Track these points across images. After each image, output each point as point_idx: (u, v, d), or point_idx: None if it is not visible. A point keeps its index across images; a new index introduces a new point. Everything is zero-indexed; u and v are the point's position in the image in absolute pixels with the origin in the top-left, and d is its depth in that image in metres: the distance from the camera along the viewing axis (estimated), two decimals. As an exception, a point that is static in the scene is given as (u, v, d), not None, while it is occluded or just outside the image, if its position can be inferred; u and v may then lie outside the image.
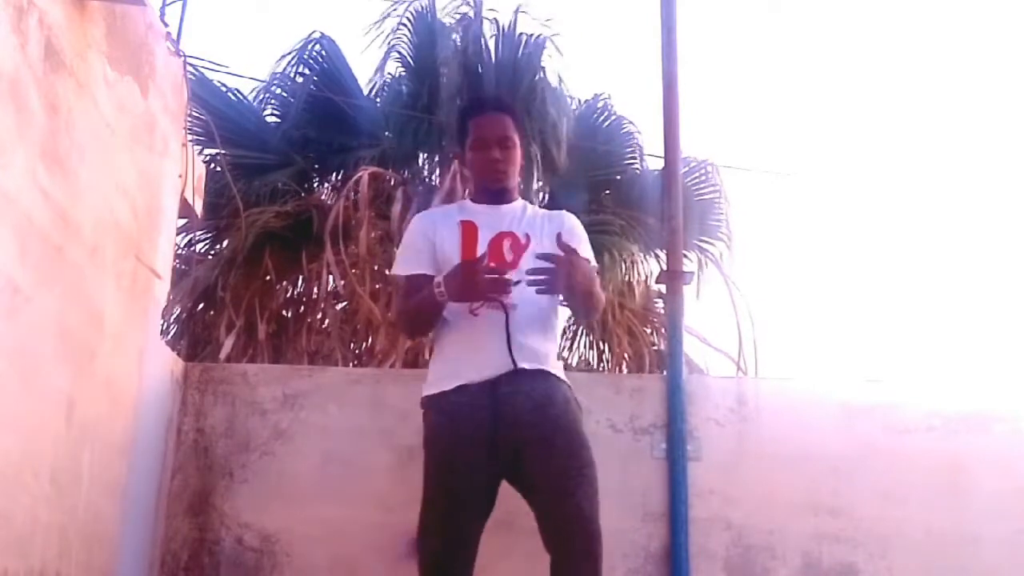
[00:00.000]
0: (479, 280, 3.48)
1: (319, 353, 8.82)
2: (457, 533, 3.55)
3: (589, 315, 3.90)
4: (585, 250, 3.77)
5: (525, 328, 3.61)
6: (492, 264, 3.58)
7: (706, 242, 10.28)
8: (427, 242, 3.78)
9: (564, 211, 4.00)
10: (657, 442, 4.72)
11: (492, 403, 3.54)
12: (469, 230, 3.75)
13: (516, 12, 10.34)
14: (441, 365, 3.74)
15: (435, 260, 3.73)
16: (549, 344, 3.72)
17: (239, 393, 4.80)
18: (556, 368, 3.71)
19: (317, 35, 10.21)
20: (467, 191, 4.07)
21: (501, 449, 3.53)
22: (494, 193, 3.86)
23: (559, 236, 3.54)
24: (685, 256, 8.83)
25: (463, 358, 3.63)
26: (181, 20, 4.71)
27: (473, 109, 4.02)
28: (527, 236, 3.75)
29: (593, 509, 3.50)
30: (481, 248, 3.68)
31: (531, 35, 10.34)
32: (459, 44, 10.24)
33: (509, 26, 10.36)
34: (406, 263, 3.82)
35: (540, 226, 3.80)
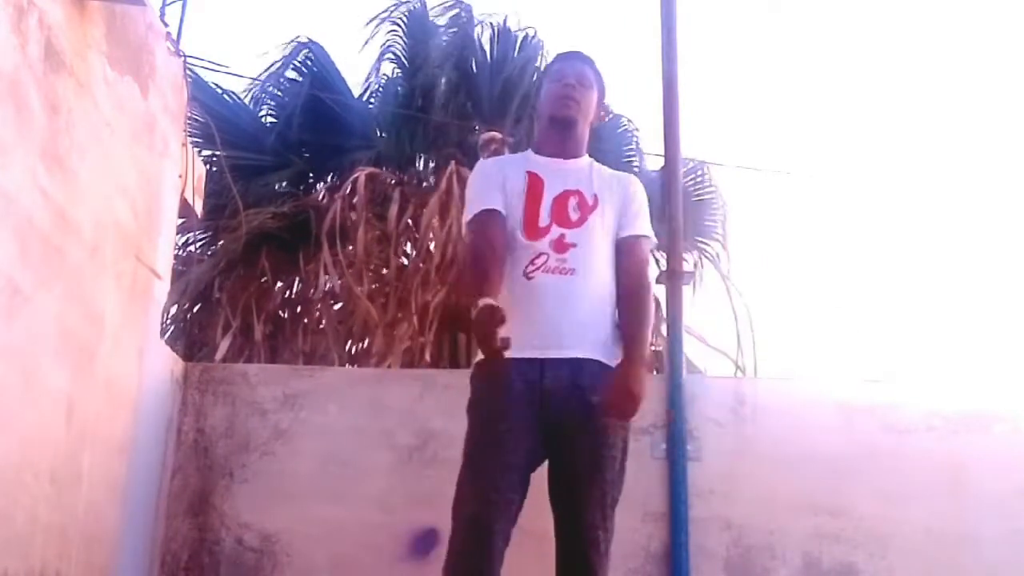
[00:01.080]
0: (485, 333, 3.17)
1: (315, 354, 8.80)
2: (499, 496, 3.27)
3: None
4: (643, 222, 3.66)
5: (579, 304, 3.44)
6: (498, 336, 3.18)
7: (703, 242, 10.28)
8: (498, 179, 3.60)
9: (631, 175, 3.85)
10: (657, 442, 4.72)
11: (540, 381, 3.36)
12: (535, 183, 3.59)
13: (507, 14, 10.36)
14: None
15: (504, 197, 3.56)
16: (609, 311, 3.54)
17: (239, 393, 4.80)
18: (614, 334, 3.51)
19: (305, 40, 10.19)
20: (532, 142, 3.82)
21: (543, 429, 3.37)
22: (561, 128, 3.68)
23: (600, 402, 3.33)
24: (684, 257, 8.85)
25: (515, 330, 3.25)
26: (181, 20, 4.71)
27: (557, 59, 3.91)
28: (595, 198, 3.59)
29: (608, 533, 3.36)
30: (546, 205, 3.53)
31: (527, 35, 10.35)
32: (453, 44, 10.24)
33: (504, 26, 10.36)
34: (478, 200, 3.58)
35: (609, 188, 3.65)
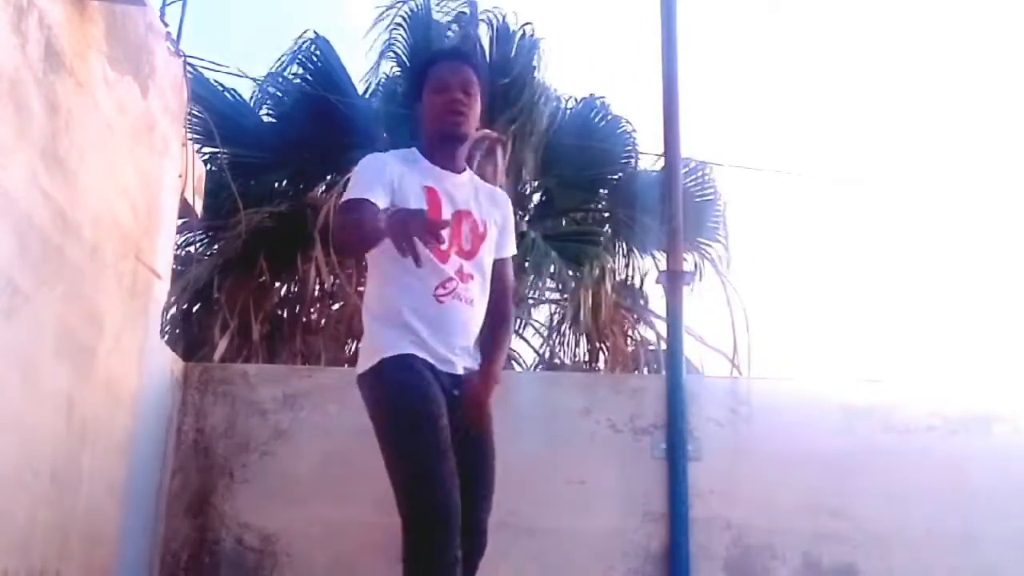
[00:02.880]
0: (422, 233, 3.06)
1: (313, 354, 8.81)
2: (453, 478, 3.23)
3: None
4: (513, 242, 3.74)
5: (472, 331, 3.53)
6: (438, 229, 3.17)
7: (703, 243, 10.29)
8: (388, 178, 3.44)
9: (500, 192, 3.80)
10: (657, 442, 4.73)
11: (451, 388, 3.41)
12: (433, 200, 3.49)
13: (507, 13, 10.36)
14: (400, 332, 3.42)
15: (390, 200, 3.40)
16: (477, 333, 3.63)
17: (239, 393, 4.80)
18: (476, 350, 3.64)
19: (311, 35, 10.21)
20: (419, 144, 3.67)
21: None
22: (451, 143, 3.57)
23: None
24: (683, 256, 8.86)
25: (426, 342, 3.39)
26: (181, 20, 4.71)
27: (434, 57, 3.88)
28: (484, 224, 3.58)
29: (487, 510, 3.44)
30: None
31: (525, 34, 10.36)
32: (453, 42, 10.24)
33: (503, 24, 10.37)
34: (361, 188, 3.41)
35: (490, 209, 3.64)
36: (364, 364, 3.46)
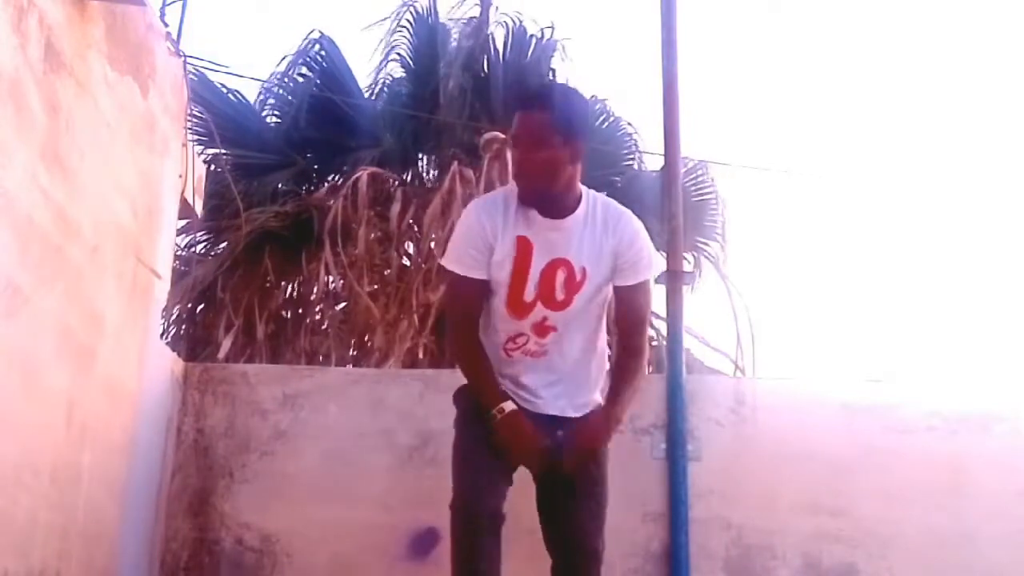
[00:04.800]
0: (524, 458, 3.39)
1: (317, 353, 8.82)
2: (487, 482, 3.37)
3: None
4: (643, 267, 3.51)
5: (562, 373, 3.52)
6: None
7: (703, 242, 10.29)
8: (486, 247, 3.42)
9: (624, 216, 3.55)
10: (657, 442, 4.73)
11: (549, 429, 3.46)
12: (524, 250, 3.41)
13: (523, 15, 10.37)
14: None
15: (490, 256, 3.43)
16: (591, 378, 3.61)
17: (239, 393, 4.80)
18: (595, 392, 3.61)
19: (317, 35, 10.23)
20: None
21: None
22: (529, 202, 3.43)
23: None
24: (684, 257, 8.85)
25: (506, 383, 3.49)
26: (181, 20, 4.72)
27: (515, 103, 3.63)
28: (583, 272, 3.42)
29: (598, 525, 3.49)
30: (533, 277, 3.41)
31: (540, 38, 10.35)
32: (464, 45, 10.25)
33: (518, 28, 10.37)
34: (462, 263, 3.46)
35: (599, 246, 3.44)
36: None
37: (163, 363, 4.63)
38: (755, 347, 8.53)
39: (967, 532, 4.58)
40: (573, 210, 3.45)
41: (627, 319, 3.52)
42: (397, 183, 9.41)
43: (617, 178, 10.50)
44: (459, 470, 3.42)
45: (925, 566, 4.56)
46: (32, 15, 3.20)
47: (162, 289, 4.56)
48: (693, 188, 10.26)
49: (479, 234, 3.43)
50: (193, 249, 9.61)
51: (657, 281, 5.28)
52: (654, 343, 9.63)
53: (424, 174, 10.55)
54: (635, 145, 10.55)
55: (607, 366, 3.65)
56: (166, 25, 4.51)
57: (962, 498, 4.62)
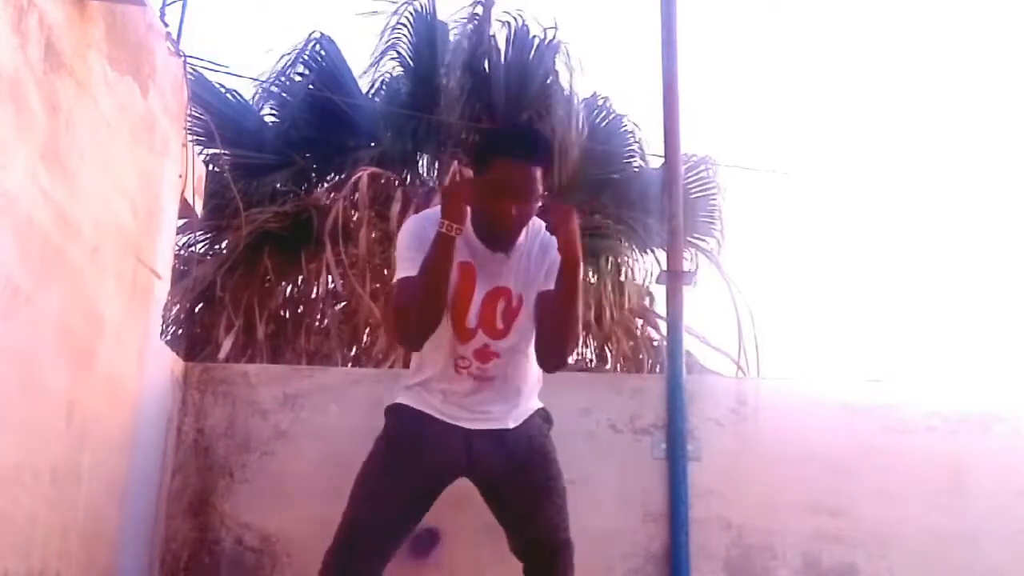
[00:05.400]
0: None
1: (318, 353, 8.82)
2: (388, 511, 3.43)
3: (565, 333, 3.44)
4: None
5: (504, 394, 3.54)
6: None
7: (704, 240, 10.28)
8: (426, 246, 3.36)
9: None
10: (657, 442, 4.73)
11: (466, 446, 3.51)
12: (467, 276, 3.41)
13: (525, 14, 10.36)
14: (420, 386, 3.59)
15: None
16: (529, 391, 3.65)
17: (239, 393, 4.80)
18: (532, 400, 3.67)
19: (317, 35, 10.22)
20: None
21: (474, 477, 3.57)
22: (503, 240, 3.41)
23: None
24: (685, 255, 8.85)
25: (443, 402, 3.54)
26: (181, 20, 4.71)
27: (508, 146, 3.38)
28: (520, 299, 3.44)
29: (562, 519, 3.52)
30: (475, 305, 3.42)
31: (543, 38, 10.34)
32: (465, 44, 10.24)
33: (520, 27, 10.36)
34: (409, 263, 3.38)
35: (535, 270, 3.44)
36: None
37: (163, 363, 4.63)
38: (757, 347, 8.52)
39: (967, 532, 4.58)
40: (516, 241, 3.44)
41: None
42: (397, 183, 9.41)
43: (617, 176, 10.50)
44: (359, 495, 3.49)
45: (925, 566, 4.57)
46: (32, 15, 3.20)
47: (162, 289, 4.56)
48: (694, 185, 10.25)
49: (423, 237, 3.37)
50: (193, 249, 9.61)
51: (657, 281, 5.27)
52: (655, 343, 9.64)
53: (424, 174, 10.55)
54: (637, 143, 10.55)
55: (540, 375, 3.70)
56: (166, 25, 4.51)
57: (962, 498, 4.63)
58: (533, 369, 3.61)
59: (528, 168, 3.29)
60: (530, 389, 3.66)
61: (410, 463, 3.49)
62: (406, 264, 3.39)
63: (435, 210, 3.51)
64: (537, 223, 3.43)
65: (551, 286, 3.35)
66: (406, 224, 3.59)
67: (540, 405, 3.72)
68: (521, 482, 3.51)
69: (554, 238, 3.29)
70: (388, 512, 3.42)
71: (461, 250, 3.37)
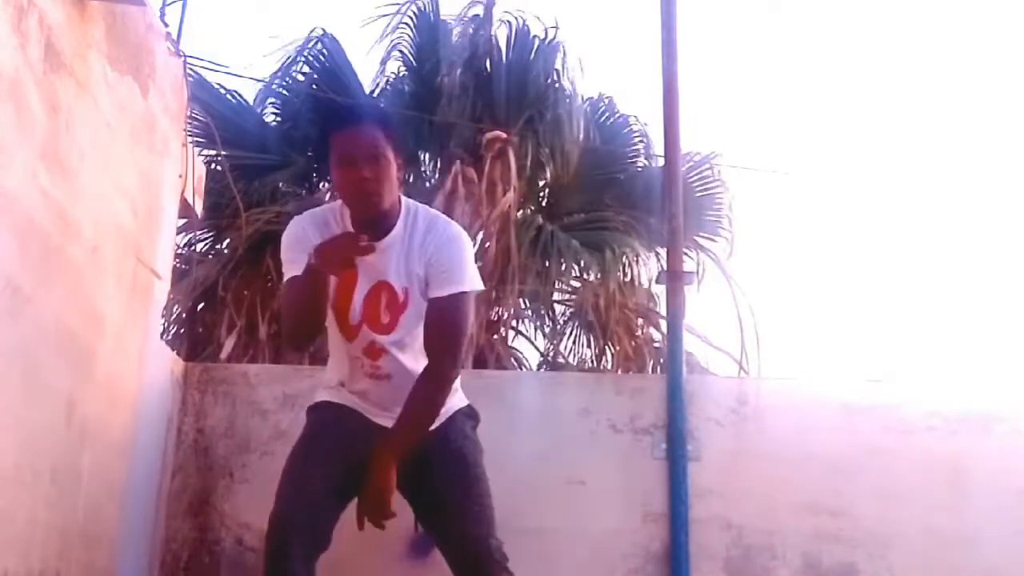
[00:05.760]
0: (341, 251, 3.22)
1: (320, 353, 8.81)
2: (304, 501, 3.36)
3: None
4: (452, 279, 3.38)
5: (398, 398, 3.41)
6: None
7: (708, 239, 10.27)
8: (307, 247, 3.33)
9: (439, 222, 3.49)
10: (657, 442, 4.73)
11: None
12: (348, 274, 3.36)
13: (526, 14, 10.37)
14: (334, 388, 3.61)
15: None
16: None
17: (239, 393, 4.81)
18: (449, 400, 3.53)
19: (319, 33, 10.23)
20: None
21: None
22: (368, 221, 3.37)
23: None
24: (686, 254, 8.86)
25: (354, 401, 3.53)
26: (181, 20, 4.72)
27: (335, 122, 3.53)
28: (405, 292, 3.38)
29: (483, 527, 3.39)
30: (357, 301, 3.39)
31: (544, 38, 10.34)
32: (467, 44, 10.25)
33: (521, 27, 10.37)
34: (291, 265, 3.41)
35: (415, 262, 3.39)
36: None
37: (163, 363, 4.63)
38: (759, 347, 8.52)
39: (967, 532, 4.58)
40: (392, 228, 3.40)
41: (431, 335, 3.38)
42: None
43: (621, 175, 10.50)
44: (281, 489, 3.44)
45: (925, 566, 4.56)
46: (32, 15, 3.20)
47: (162, 289, 4.56)
48: (698, 184, 10.25)
49: (300, 238, 3.41)
50: (194, 248, 9.61)
51: (657, 281, 5.27)
52: (656, 345, 9.64)
53: (426, 173, 10.56)
54: (640, 142, 10.55)
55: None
56: (166, 25, 4.51)
57: (962, 498, 4.62)
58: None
59: (357, 131, 3.34)
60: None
61: (328, 447, 3.44)
62: (287, 266, 3.43)
63: (314, 211, 3.57)
64: (418, 217, 3.44)
65: (434, 292, 3.35)
66: (294, 222, 3.57)
67: (463, 404, 3.61)
68: (434, 487, 3.43)
69: (438, 234, 3.40)
70: (308, 502, 3.35)
71: None
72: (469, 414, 3.64)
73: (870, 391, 4.85)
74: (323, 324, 3.45)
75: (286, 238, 3.50)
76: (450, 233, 3.46)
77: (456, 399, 3.58)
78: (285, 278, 3.46)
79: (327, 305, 3.37)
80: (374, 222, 3.37)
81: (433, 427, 3.42)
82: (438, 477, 3.42)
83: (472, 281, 3.44)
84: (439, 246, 3.40)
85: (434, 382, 3.38)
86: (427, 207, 3.59)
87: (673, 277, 5.19)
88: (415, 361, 3.44)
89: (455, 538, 3.42)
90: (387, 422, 3.43)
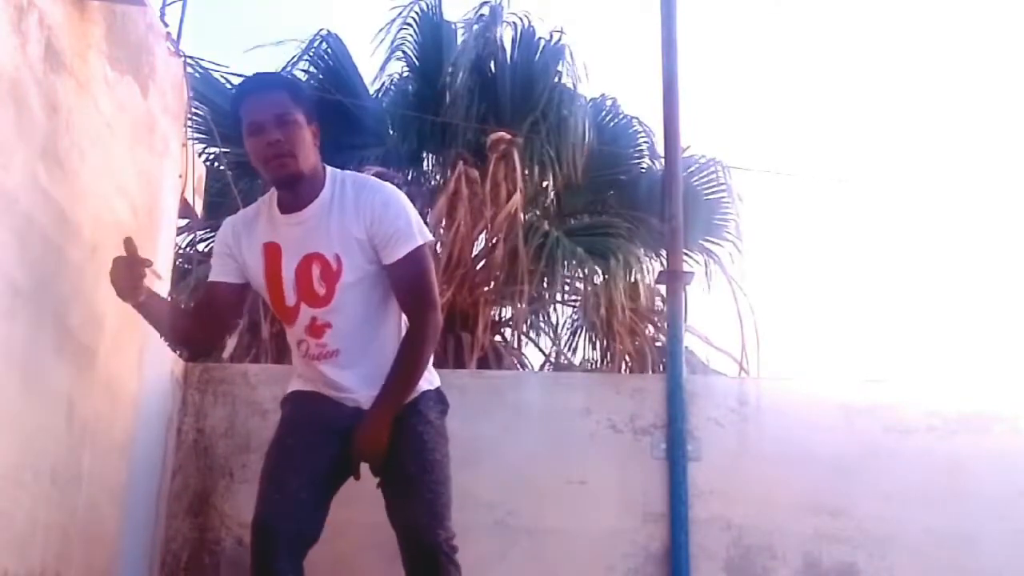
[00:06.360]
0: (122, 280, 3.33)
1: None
2: (283, 497, 3.34)
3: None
4: (403, 239, 3.37)
5: (359, 370, 3.42)
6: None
7: (712, 242, 10.26)
8: (227, 248, 3.51)
9: (368, 186, 3.47)
10: (657, 442, 4.73)
11: (349, 418, 3.41)
12: (272, 256, 3.39)
13: (531, 15, 10.37)
14: (299, 376, 3.62)
15: (239, 265, 3.50)
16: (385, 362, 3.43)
17: (239, 393, 4.81)
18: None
19: (324, 33, 10.23)
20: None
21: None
22: (288, 187, 3.37)
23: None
24: (689, 256, 8.87)
25: (321, 388, 3.50)
26: (181, 20, 4.71)
27: (239, 93, 3.53)
28: (338, 259, 3.34)
29: (431, 517, 3.34)
30: (288, 281, 3.38)
31: (549, 40, 10.35)
32: (472, 45, 10.25)
33: (527, 29, 10.37)
34: (211, 268, 3.59)
35: (348, 228, 3.35)
36: None
37: (163, 363, 4.63)
38: (760, 347, 8.52)
39: (967, 532, 4.58)
40: (316, 196, 3.38)
41: (405, 298, 3.41)
42: (402, 182, 9.40)
43: (624, 177, 10.50)
44: (261, 489, 3.42)
45: (925, 566, 4.56)
46: (32, 15, 3.20)
47: (162, 289, 4.55)
48: (703, 187, 10.24)
49: (223, 243, 3.53)
50: (194, 248, 9.60)
51: (657, 281, 5.27)
52: (658, 344, 9.63)
53: (429, 174, 10.56)
54: (644, 144, 10.54)
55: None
56: (166, 25, 4.52)
57: (962, 498, 4.62)
58: (392, 339, 3.46)
59: (259, 96, 3.37)
60: (386, 350, 3.45)
61: (304, 436, 3.43)
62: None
63: (249, 207, 3.64)
64: (346, 183, 3.44)
65: (390, 259, 3.35)
66: (225, 223, 3.67)
67: (431, 387, 3.54)
68: (387, 470, 3.36)
69: (376, 194, 3.39)
70: (289, 500, 3.33)
71: (264, 231, 3.44)
72: (437, 399, 3.57)
73: (870, 391, 4.85)
74: (188, 337, 3.71)
75: (220, 231, 3.61)
76: (387, 192, 3.44)
77: (424, 381, 3.50)
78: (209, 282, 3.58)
79: (172, 322, 3.56)
80: (296, 191, 3.36)
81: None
82: (392, 460, 3.34)
83: (422, 232, 3.43)
84: (383, 206, 3.37)
85: (420, 336, 3.38)
86: (355, 173, 3.58)
87: (673, 277, 5.19)
88: (360, 334, 3.41)
89: (401, 524, 3.37)
90: (354, 403, 3.42)
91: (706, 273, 9.85)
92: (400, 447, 3.35)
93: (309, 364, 3.48)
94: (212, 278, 3.54)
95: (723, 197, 10.40)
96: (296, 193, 3.37)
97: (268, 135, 3.28)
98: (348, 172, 3.52)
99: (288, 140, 3.28)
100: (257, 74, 3.63)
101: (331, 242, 3.34)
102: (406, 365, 3.36)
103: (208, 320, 3.63)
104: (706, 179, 10.34)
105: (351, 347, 3.40)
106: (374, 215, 3.34)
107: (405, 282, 3.38)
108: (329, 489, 3.45)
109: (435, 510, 3.34)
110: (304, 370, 3.54)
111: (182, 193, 4.76)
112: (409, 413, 3.41)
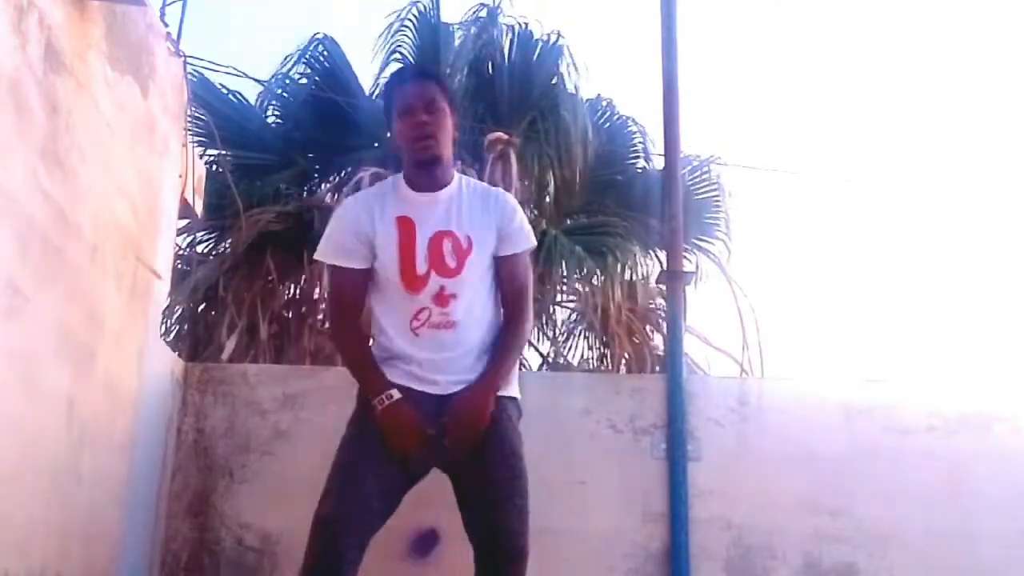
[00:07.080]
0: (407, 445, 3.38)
1: (321, 353, 8.82)
2: (355, 501, 3.35)
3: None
4: (522, 238, 3.66)
5: (469, 349, 3.51)
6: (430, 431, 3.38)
7: (708, 241, 10.26)
8: (360, 241, 3.55)
9: (500, 193, 3.75)
10: (657, 442, 4.73)
11: (439, 414, 3.42)
12: (406, 229, 3.52)
13: (530, 17, 10.38)
14: (385, 357, 3.56)
15: (369, 257, 3.54)
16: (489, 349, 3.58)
17: (239, 393, 4.81)
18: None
19: (320, 35, 10.23)
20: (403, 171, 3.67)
21: (447, 451, 3.44)
22: (427, 168, 3.55)
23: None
24: (685, 256, 8.86)
25: (410, 370, 3.49)
26: (181, 20, 4.72)
27: (397, 78, 3.88)
28: (468, 240, 3.53)
29: (521, 524, 3.40)
30: (421, 250, 3.49)
31: (547, 40, 10.35)
32: (470, 46, 10.25)
33: (524, 30, 10.36)
34: (333, 253, 3.61)
35: (481, 218, 3.59)
36: None
37: (163, 363, 4.63)
38: (760, 347, 8.52)
39: (967, 532, 4.59)
40: (447, 184, 3.61)
41: (508, 288, 3.62)
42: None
43: (621, 177, 10.49)
44: (332, 484, 3.43)
45: (925, 566, 4.57)
46: (32, 15, 3.21)
47: (162, 289, 4.56)
48: (697, 186, 10.24)
49: (353, 226, 3.58)
50: (195, 249, 9.60)
51: (657, 281, 5.27)
52: (653, 343, 9.63)
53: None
54: (641, 144, 10.54)
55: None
56: (166, 25, 4.52)
57: (962, 498, 4.63)
58: (495, 328, 3.62)
59: (417, 83, 3.62)
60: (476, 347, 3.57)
61: (381, 442, 3.42)
62: (336, 253, 3.62)
63: (368, 191, 3.83)
64: (471, 184, 3.69)
65: (508, 251, 3.62)
66: (345, 205, 3.82)
67: (517, 393, 3.65)
68: (483, 475, 3.42)
69: (502, 198, 3.69)
70: (363, 501, 3.35)
71: (395, 207, 3.56)
72: (518, 408, 3.68)
73: (870, 391, 4.86)
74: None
75: (334, 224, 3.65)
76: (510, 198, 3.74)
77: (514, 384, 3.65)
78: (333, 264, 3.62)
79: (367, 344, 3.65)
80: (432, 173, 3.58)
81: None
82: (489, 465, 3.42)
83: (532, 239, 3.73)
84: (512, 209, 3.67)
85: (522, 327, 3.63)
86: (477, 180, 3.87)
87: (673, 277, 5.19)
88: (478, 305, 3.56)
89: (491, 528, 3.41)
90: (436, 388, 3.47)
91: (696, 270, 9.83)
92: (491, 446, 3.44)
93: (420, 337, 3.51)
94: (357, 266, 3.57)
95: (717, 196, 10.40)
96: (432, 176, 3.58)
97: (418, 116, 3.50)
98: (469, 177, 3.78)
99: (435, 123, 3.52)
100: (414, 64, 3.88)
101: (462, 224, 3.56)
102: (511, 348, 3.59)
103: (360, 310, 3.70)
104: (699, 179, 10.35)
105: (468, 322, 3.52)
106: (504, 214, 3.63)
107: (515, 275, 3.64)
108: (398, 501, 3.48)
109: (524, 516, 3.42)
110: (406, 345, 3.52)
111: (182, 193, 4.76)
112: (500, 416, 3.49)
